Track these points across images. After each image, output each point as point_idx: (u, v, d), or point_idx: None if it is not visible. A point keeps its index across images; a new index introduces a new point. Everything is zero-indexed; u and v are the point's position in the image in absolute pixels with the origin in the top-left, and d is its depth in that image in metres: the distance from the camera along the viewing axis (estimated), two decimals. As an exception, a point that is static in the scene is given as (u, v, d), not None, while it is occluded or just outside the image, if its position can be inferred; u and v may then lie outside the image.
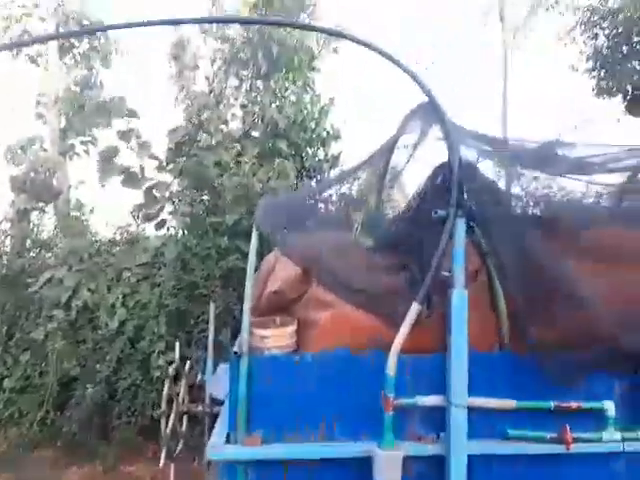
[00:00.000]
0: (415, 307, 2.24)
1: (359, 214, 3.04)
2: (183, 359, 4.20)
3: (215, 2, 8.35)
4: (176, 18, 3.34)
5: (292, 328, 2.69)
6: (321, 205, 3.28)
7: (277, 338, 2.64)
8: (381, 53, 2.54)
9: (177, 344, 4.14)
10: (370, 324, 2.42)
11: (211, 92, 7.05)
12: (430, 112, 2.75)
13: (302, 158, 7.35)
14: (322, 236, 2.90)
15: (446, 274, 2.34)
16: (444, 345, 2.36)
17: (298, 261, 2.72)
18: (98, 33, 10.16)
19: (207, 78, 7.54)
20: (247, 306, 2.66)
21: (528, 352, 2.36)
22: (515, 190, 2.95)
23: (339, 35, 2.94)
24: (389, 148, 3.25)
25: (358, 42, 2.62)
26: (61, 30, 10.58)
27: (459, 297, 2.26)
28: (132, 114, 6.64)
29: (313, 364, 2.42)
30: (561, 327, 2.32)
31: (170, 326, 6.31)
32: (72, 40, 10.31)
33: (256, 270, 3.02)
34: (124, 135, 6.65)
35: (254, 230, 2.97)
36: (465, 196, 2.31)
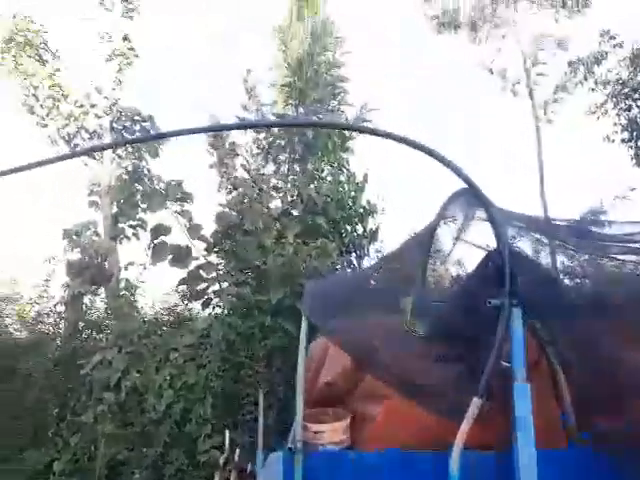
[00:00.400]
0: (476, 401, 2.17)
1: (407, 299, 3.04)
2: (230, 443, 4.14)
3: (251, 95, 9.02)
4: (221, 124, 3.66)
5: (346, 422, 2.64)
6: (368, 290, 3.31)
7: (332, 433, 2.58)
8: (419, 147, 2.63)
9: (227, 433, 4.11)
10: (428, 418, 2.35)
11: (254, 181, 7.44)
12: (471, 197, 2.80)
13: (341, 234, 7.54)
14: (372, 324, 2.89)
15: (505, 364, 2.27)
16: (507, 439, 2.25)
17: (350, 352, 2.72)
18: (147, 126, 11.08)
19: (243, 166, 7.99)
20: (300, 399, 2.65)
21: (596, 446, 2.21)
22: (563, 266, 2.92)
23: (373, 133, 3.07)
24: (430, 232, 3.30)
25: (388, 137, 2.72)
26: (114, 125, 11.67)
27: (522, 392, 2.17)
28: (186, 197, 7.07)
29: (371, 463, 2.35)
30: (632, 418, 2.18)
31: (216, 408, 6.27)
32: (125, 135, 11.26)
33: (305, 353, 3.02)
34: (180, 213, 7.03)
35: (303, 319, 3.01)
36: (519, 284, 2.29)
